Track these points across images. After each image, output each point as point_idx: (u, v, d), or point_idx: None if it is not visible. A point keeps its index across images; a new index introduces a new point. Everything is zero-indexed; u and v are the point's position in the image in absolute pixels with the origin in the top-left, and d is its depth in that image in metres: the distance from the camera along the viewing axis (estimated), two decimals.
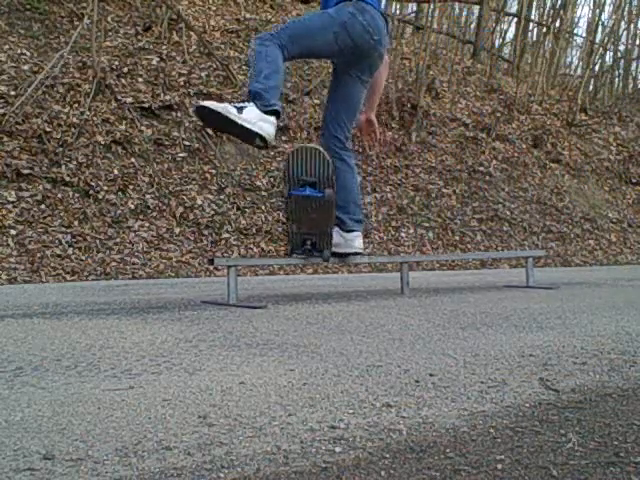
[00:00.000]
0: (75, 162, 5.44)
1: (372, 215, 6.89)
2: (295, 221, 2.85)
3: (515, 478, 0.87)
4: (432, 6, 10.65)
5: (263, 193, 6.33)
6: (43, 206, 5.01)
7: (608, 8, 14.38)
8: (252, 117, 2.47)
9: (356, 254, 2.97)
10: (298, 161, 2.74)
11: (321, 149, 2.75)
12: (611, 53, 13.94)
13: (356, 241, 2.93)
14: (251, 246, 5.69)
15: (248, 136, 2.50)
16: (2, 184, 4.98)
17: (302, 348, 1.77)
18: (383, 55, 2.85)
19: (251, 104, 2.49)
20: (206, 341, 1.87)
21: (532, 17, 13.21)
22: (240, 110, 2.46)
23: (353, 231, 2.93)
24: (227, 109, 2.44)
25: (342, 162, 2.88)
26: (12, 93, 5.54)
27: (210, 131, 6.51)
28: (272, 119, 2.52)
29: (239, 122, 2.44)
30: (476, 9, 12.98)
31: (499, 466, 0.91)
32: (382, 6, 2.86)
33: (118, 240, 5.08)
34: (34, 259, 4.53)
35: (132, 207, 5.41)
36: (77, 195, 5.24)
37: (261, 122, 2.48)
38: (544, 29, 12.81)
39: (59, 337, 1.92)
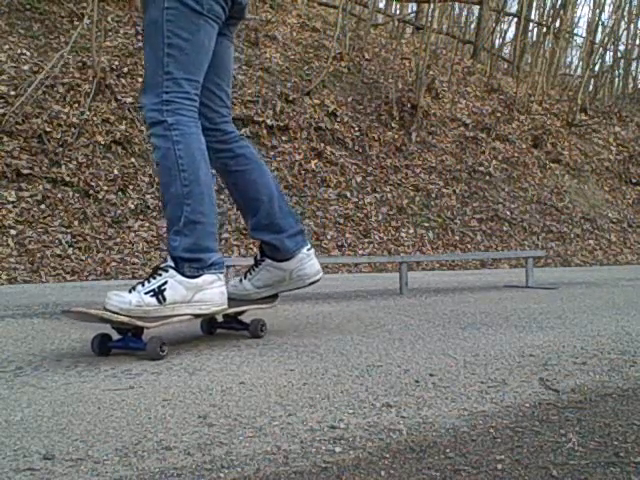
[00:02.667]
0: (75, 162, 5.44)
1: (372, 215, 6.89)
2: None
3: (515, 478, 0.87)
4: (432, 6, 10.65)
5: None
6: (43, 206, 5.01)
7: (608, 8, 14.41)
8: (183, 296, 1.74)
9: (316, 282, 2.06)
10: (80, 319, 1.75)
11: (82, 310, 1.63)
12: (611, 53, 13.95)
13: (308, 265, 2.02)
14: (251, 246, 5.69)
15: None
16: (2, 184, 4.98)
17: (302, 348, 1.77)
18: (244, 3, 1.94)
19: (170, 273, 1.74)
20: (206, 341, 1.87)
21: (532, 17, 13.21)
22: (159, 296, 1.69)
23: (298, 250, 2.01)
24: (130, 310, 1.64)
25: (242, 159, 1.99)
26: (12, 93, 5.54)
27: None
28: (214, 277, 1.80)
29: (163, 320, 1.71)
30: (476, 9, 12.99)
31: (499, 466, 0.91)
32: None
33: (118, 240, 5.08)
34: (34, 259, 4.53)
35: (132, 207, 5.41)
36: (77, 195, 5.24)
37: (200, 293, 1.77)
38: (544, 29, 12.81)
39: (59, 337, 1.92)
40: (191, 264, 1.75)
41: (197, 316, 1.78)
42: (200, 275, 1.75)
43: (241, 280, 2.04)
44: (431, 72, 9.74)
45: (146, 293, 1.67)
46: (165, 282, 1.71)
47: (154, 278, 1.71)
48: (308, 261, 2.03)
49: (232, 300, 1.95)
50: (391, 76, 9.09)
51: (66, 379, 1.39)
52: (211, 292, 1.77)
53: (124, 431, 1.04)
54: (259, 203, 1.98)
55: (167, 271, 1.73)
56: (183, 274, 1.73)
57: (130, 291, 1.67)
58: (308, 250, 2.03)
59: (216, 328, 2.04)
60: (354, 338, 1.94)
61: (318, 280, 2.06)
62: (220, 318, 2.02)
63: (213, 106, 1.98)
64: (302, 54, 8.67)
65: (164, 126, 1.75)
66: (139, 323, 1.62)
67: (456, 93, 9.94)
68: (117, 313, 1.60)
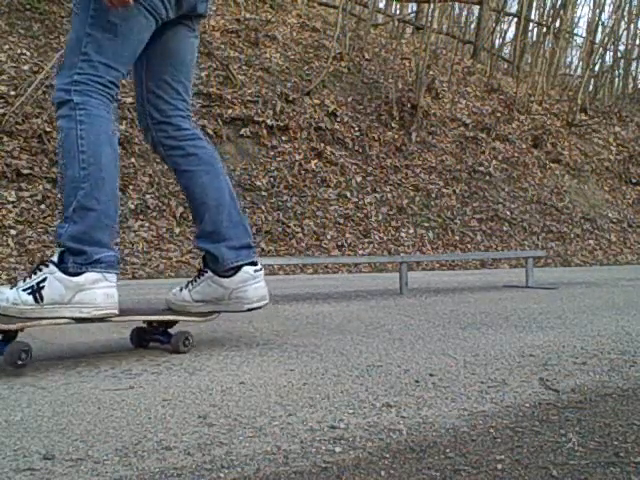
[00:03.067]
0: None
1: (372, 215, 6.89)
2: None
3: (515, 478, 0.87)
4: (432, 6, 10.65)
5: (263, 193, 6.33)
6: (43, 206, 5.01)
7: (608, 8, 14.42)
8: (58, 295, 1.55)
9: (258, 308, 1.82)
10: None
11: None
12: (611, 53, 13.95)
13: (251, 289, 1.78)
14: None
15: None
16: (2, 184, 4.98)
17: (302, 348, 1.77)
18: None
19: (50, 269, 1.56)
20: (206, 341, 1.87)
21: (532, 17, 13.21)
22: (36, 294, 1.53)
23: (239, 268, 1.77)
24: (16, 305, 1.53)
25: (192, 157, 1.85)
26: (12, 93, 5.54)
27: (210, 131, 6.51)
28: (102, 275, 1.58)
29: (32, 321, 1.51)
30: (476, 9, 12.99)
31: (499, 466, 0.91)
32: None
33: (118, 240, 5.08)
34: (34, 259, 4.53)
35: (132, 207, 5.41)
36: None
37: (81, 294, 1.56)
38: (544, 29, 12.81)
39: (59, 337, 1.92)
40: (75, 258, 1.54)
41: (78, 320, 1.55)
42: (82, 272, 1.53)
43: (181, 289, 1.82)
44: (431, 72, 9.74)
45: (24, 290, 1.50)
46: (44, 279, 1.52)
47: (35, 274, 1.54)
48: (253, 283, 1.78)
49: (168, 310, 1.80)
50: (391, 76, 9.09)
51: (66, 379, 1.39)
52: (92, 293, 1.54)
53: (124, 431, 1.04)
54: (205, 208, 1.79)
55: (47, 266, 1.54)
56: (65, 270, 1.53)
57: (12, 287, 1.51)
58: (255, 271, 1.78)
59: (147, 341, 1.77)
60: (354, 338, 1.94)
61: (260, 307, 1.80)
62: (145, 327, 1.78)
63: (167, 97, 1.84)
64: (302, 54, 8.67)
65: (70, 106, 1.64)
66: (2, 326, 1.42)
67: (456, 93, 9.94)
68: None
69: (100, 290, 1.55)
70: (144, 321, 1.74)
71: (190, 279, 1.85)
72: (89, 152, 1.58)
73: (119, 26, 1.61)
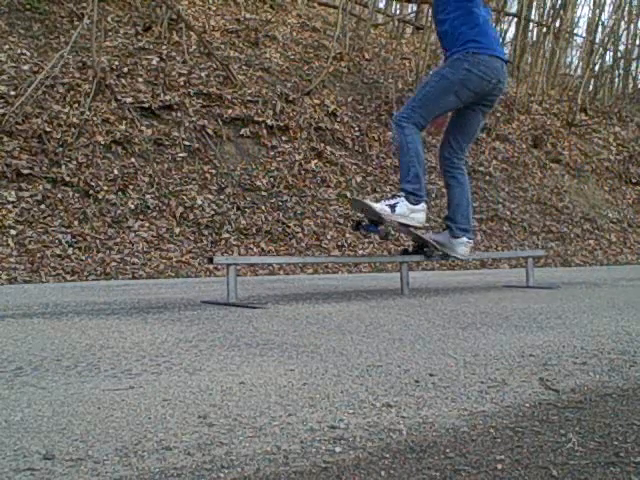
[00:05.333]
0: (75, 162, 5.44)
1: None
2: (410, 239, 3.73)
3: (515, 478, 0.87)
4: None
5: (263, 193, 6.33)
6: (43, 206, 5.01)
7: (608, 8, 14.37)
8: (404, 212, 3.01)
9: (456, 258, 3.40)
10: (357, 207, 3.39)
11: (364, 201, 3.20)
12: (611, 53, 13.94)
13: (459, 248, 3.31)
14: (251, 246, 5.69)
15: (403, 229, 3.17)
16: (2, 184, 4.98)
17: (302, 348, 1.77)
18: (504, 89, 3.18)
19: (402, 199, 3.01)
20: (206, 341, 1.87)
21: (532, 17, 13.20)
22: (393, 209, 2.98)
23: (458, 237, 3.29)
24: (382, 210, 2.99)
25: (453, 179, 3.32)
26: (12, 93, 5.54)
27: (210, 131, 6.51)
28: (421, 206, 3.05)
29: (393, 219, 3.01)
30: None
31: (499, 466, 0.91)
32: (498, 43, 3.15)
33: (118, 240, 5.08)
34: (34, 259, 4.53)
35: (132, 207, 5.41)
36: (77, 195, 5.24)
37: (413, 214, 3.03)
38: (544, 29, 12.80)
39: (59, 337, 1.92)
40: (412, 197, 3.02)
41: (409, 225, 3.07)
42: (418, 203, 3.04)
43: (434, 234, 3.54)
44: (431, 72, 9.74)
45: (386, 205, 3.00)
46: (397, 202, 3.00)
47: (393, 198, 3.02)
48: (461, 245, 3.33)
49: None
50: (391, 76, 9.09)
51: (66, 379, 1.39)
52: (419, 214, 3.05)
53: (124, 431, 1.04)
54: (453, 204, 3.35)
55: (400, 197, 3.01)
56: (409, 201, 3.01)
57: (377, 202, 3.07)
58: (468, 241, 3.35)
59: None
60: (354, 338, 1.94)
61: (458, 259, 3.45)
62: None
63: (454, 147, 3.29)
64: (302, 54, 8.67)
65: (399, 129, 3.07)
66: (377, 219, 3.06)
67: None
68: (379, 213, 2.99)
69: (421, 214, 3.05)
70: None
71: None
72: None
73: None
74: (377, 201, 3.15)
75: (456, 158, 3.30)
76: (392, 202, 3.01)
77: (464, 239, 3.33)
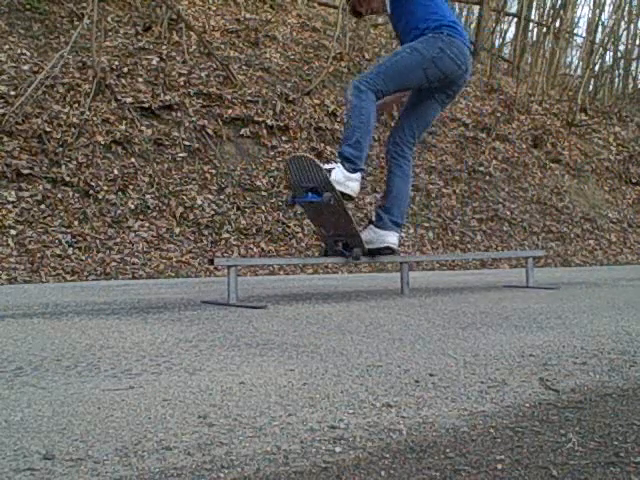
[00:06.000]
0: (75, 162, 5.44)
1: (372, 215, 6.89)
2: (321, 225, 3.09)
3: (515, 478, 0.87)
4: None
5: (263, 193, 6.33)
6: (43, 206, 5.01)
7: (608, 8, 14.38)
8: (340, 178, 2.81)
9: (387, 249, 3.05)
10: (296, 171, 2.87)
11: (311, 157, 2.87)
12: (611, 53, 13.94)
13: (388, 237, 3.04)
14: (251, 246, 5.69)
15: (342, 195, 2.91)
16: (2, 184, 4.98)
17: (302, 348, 1.77)
18: (467, 80, 3.08)
19: (338, 165, 2.82)
20: (206, 341, 1.87)
21: (532, 17, 13.20)
22: (329, 172, 2.79)
23: (387, 229, 3.06)
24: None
25: (399, 168, 3.09)
26: (12, 93, 5.54)
27: (210, 131, 6.51)
28: (357, 176, 2.86)
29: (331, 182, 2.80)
30: (476, 9, 12.98)
31: (499, 466, 0.91)
32: (467, 36, 3.04)
33: (118, 240, 5.08)
34: (34, 259, 4.53)
35: (132, 207, 5.41)
36: (77, 195, 5.24)
37: (348, 182, 2.83)
38: (544, 29, 12.80)
39: (59, 337, 1.92)
40: (349, 165, 2.82)
41: (342, 193, 2.81)
42: (354, 172, 2.83)
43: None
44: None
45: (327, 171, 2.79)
46: (333, 168, 2.80)
47: (328, 164, 2.83)
48: (390, 235, 3.06)
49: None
50: None
51: (66, 379, 1.39)
52: (354, 183, 2.84)
53: (124, 431, 1.04)
54: (391, 195, 3.09)
55: (336, 162, 2.83)
56: (345, 168, 2.81)
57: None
58: (392, 232, 3.08)
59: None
60: (354, 338, 1.94)
61: (389, 249, 3.08)
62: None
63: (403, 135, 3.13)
64: (302, 54, 8.67)
65: (357, 92, 2.86)
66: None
67: None
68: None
69: (356, 183, 2.84)
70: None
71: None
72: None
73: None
74: None
75: (406, 147, 3.12)
76: (328, 167, 2.81)
77: (393, 232, 3.09)
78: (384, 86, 2.87)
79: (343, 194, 2.83)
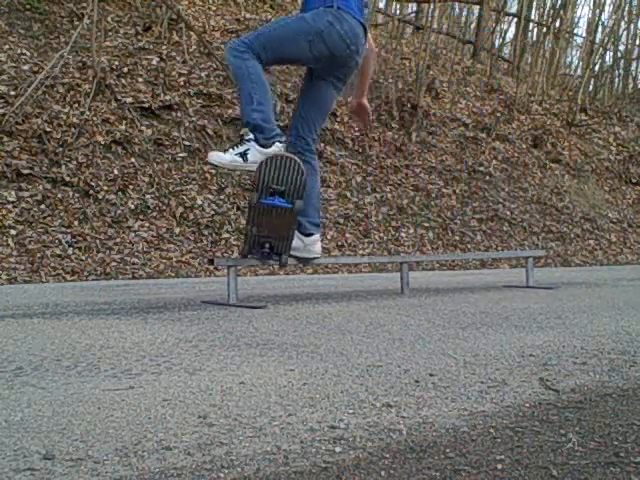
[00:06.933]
0: (75, 162, 5.44)
1: (372, 215, 6.89)
2: (256, 224, 2.73)
3: (515, 478, 0.87)
4: (432, 6, 10.65)
5: None
6: (43, 206, 5.01)
7: (608, 8, 14.38)
8: (257, 158, 2.55)
9: (314, 259, 2.94)
10: (271, 168, 2.60)
11: (297, 159, 2.63)
12: (611, 53, 13.95)
13: (315, 246, 2.88)
14: None
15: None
16: (2, 184, 4.98)
17: (302, 348, 1.77)
18: (359, 63, 2.77)
19: (252, 144, 2.56)
20: (206, 341, 1.87)
21: (532, 17, 13.20)
22: (244, 157, 2.55)
23: (311, 235, 2.87)
24: (233, 162, 2.57)
25: (308, 164, 2.78)
26: (12, 93, 5.54)
27: (210, 131, 6.51)
28: (275, 148, 2.57)
29: (248, 169, 2.60)
30: (476, 9, 12.98)
31: (499, 466, 0.91)
32: (364, 13, 2.73)
33: (118, 240, 5.08)
34: (34, 259, 4.53)
35: (132, 207, 5.41)
36: (77, 195, 5.24)
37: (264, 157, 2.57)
38: (544, 29, 12.80)
39: (59, 337, 1.92)
40: (262, 135, 2.58)
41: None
42: (271, 145, 2.57)
43: None
44: (431, 72, 9.74)
45: (236, 154, 2.55)
46: (248, 149, 2.56)
47: (240, 145, 2.57)
48: (317, 243, 2.90)
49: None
50: (391, 76, 9.09)
51: (66, 379, 1.39)
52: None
53: (124, 431, 1.04)
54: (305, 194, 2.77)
55: (249, 142, 2.56)
56: (259, 144, 2.56)
57: (224, 152, 2.59)
58: (316, 236, 2.89)
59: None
60: (354, 338, 1.94)
61: (317, 258, 2.95)
62: None
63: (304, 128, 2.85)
64: None
65: (236, 53, 2.57)
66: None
67: (456, 93, 9.94)
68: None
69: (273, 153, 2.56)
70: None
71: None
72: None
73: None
74: (225, 151, 2.61)
75: (310, 139, 2.86)
76: (242, 149, 2.55)
77: (317, 236, 2.89)
78: (262, 51, 2.57)
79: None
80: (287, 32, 2.61)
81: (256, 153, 2.56)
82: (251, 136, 2.58)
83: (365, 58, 2.85)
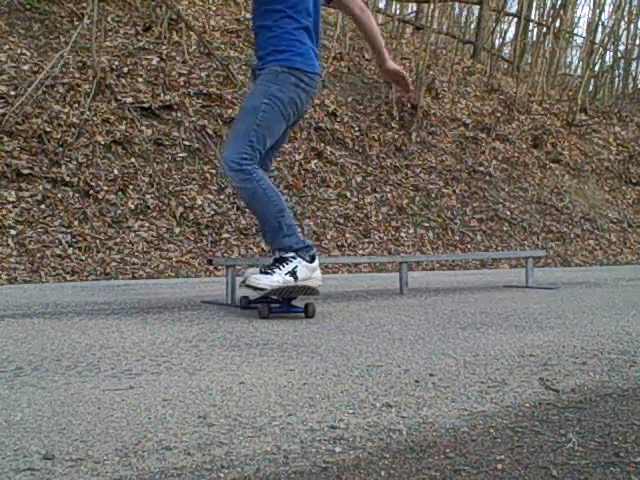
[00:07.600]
0: (75, 162, 5.44)
1: (372, 215, 6.90)
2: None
3: (515, 478, 0.87)
4: (432, 6, 10.65)
5: None
6: (43, 206, 5.01)
7: (608, 8, 14.38)
8: (306, 274, 2.44)
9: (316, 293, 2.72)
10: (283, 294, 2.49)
11: (248, 282, 2.44)
12: (611, 53, 13.94)
13: (316, 272, 2.59)
14: (251, 246, 5.69)
15: (311, 292, 2.51)
16: (2, 184, 4.98)
17: (302, 348, 1.77)
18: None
19: (298, 260, 2.43)
20: (206, 341, 1.87)
21: (532, 17, 13.20)
22: (294, 275, 2.41)
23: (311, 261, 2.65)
24: (287, 283, 2.40)
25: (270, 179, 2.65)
26: (12, 93, 5.54)
27: (210, 131, 6.51)
28: (317, 262, 2.50)
29: (301, 285, 2.44)
30: (476, 9, 12.99)
31: (499, 466, 0.91)
32: (317, 61, 2.65)
33: (118, 240, 5.08)
34: (34, 259, 4.53)
35: (132, 207, 5.41)
36: (77, 195, 5.24)
37: (314, 273, 2.48)
38: (544, 29, 12.80)
39: (59, 337, 1.92)
40: (304, 253, 2.47)
41: (314, 289, 2.52)
42: (313, 260, 2.50)
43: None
44: (431, 72, 9.74)
45: (286, 274, 2.40)
46: (296, 266, 2.43)
47: (286, 264, 2.43)
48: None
49: None
50: None
51: (66, 379, 1.39)
52: (318, 272, 2.52)
53: (124, 431, 1.04)
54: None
55: (295, 259, 2.45)
56: (305, 260, 2.46)
57: (264, 272, 2.43)
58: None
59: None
60: (354, 338, 1.94)
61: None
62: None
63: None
64: None
65: (245, 175, 2.43)
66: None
67: (456, 93, 9.94)
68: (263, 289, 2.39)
69: (319, 271, 2.52)
70: None
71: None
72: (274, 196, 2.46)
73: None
74: (266, 273, 2.41)
75: (269, 160, 2.73)
76: (290, 268, 2.40)
77: (312, 262, 2.54)
78: (260, 153, 2.47)
79: (311, 288, 2.50)
80: (271, 122, 2.48)
81: (304, 270, 2.44)
82: (291, 253, 2.45)
83: (359, 19, 2.77)
